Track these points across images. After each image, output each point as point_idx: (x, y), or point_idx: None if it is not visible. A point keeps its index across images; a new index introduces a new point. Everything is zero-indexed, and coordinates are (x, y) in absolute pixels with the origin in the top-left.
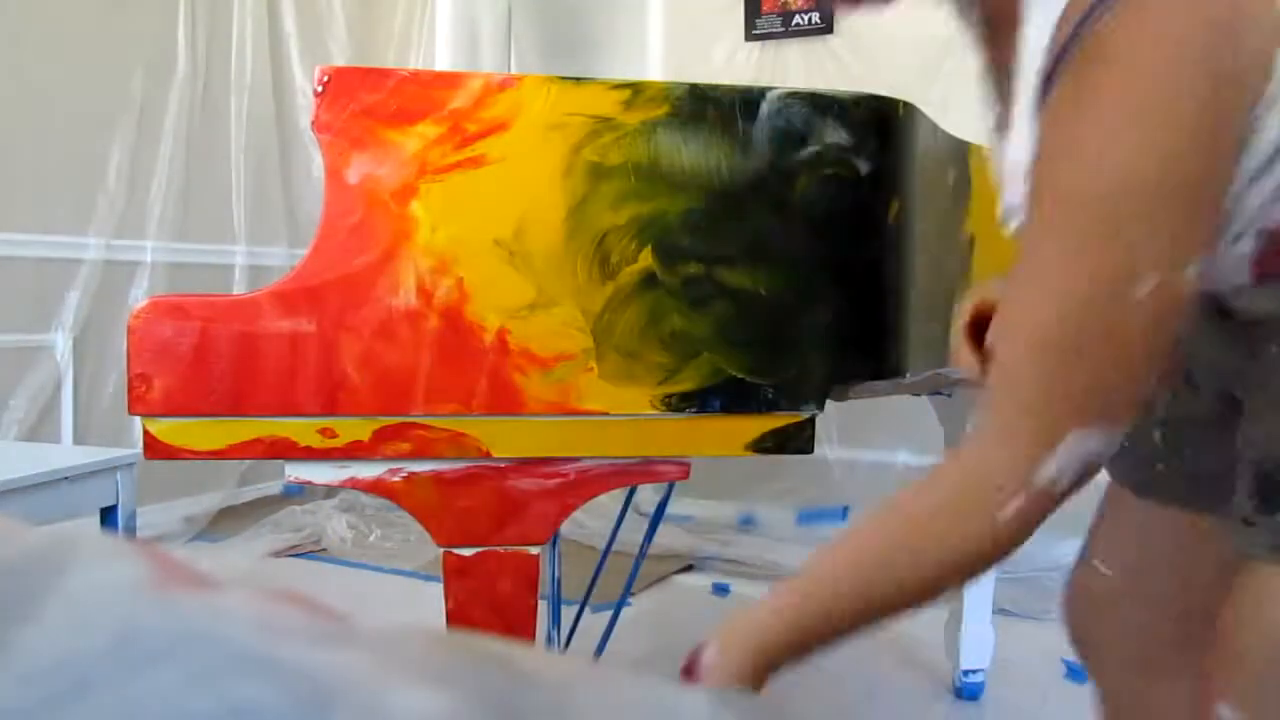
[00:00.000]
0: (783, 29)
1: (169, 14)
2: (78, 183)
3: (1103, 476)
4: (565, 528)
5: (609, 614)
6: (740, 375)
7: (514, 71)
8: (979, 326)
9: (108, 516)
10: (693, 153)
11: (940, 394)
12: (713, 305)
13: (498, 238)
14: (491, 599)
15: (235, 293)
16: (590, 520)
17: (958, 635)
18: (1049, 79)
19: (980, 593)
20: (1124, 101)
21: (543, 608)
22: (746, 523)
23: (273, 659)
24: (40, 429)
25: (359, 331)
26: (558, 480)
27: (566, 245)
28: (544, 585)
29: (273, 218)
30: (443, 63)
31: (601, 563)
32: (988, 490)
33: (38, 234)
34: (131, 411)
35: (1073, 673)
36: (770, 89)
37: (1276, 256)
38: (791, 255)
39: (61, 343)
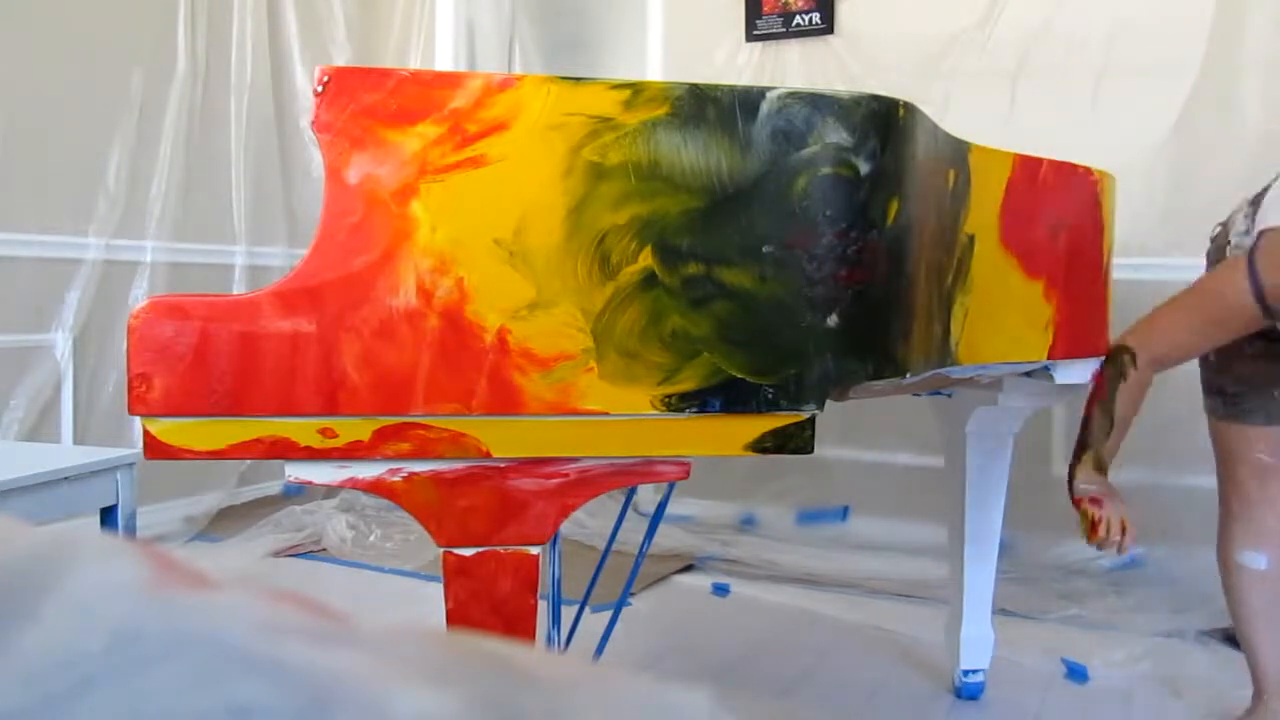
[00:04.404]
0: (783, 29)
1: (169, 14)
2: (78, 183)
3: None
4: (565, 528)
5: (609, 614)
6: (740, 375)
7: (515, 71)
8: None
9: (108, 516)
10: (693, 153)
11: (940, 394)
12: (713, 305)
13: (498, 238)
14: (491, 599)
15: (235, 293)
16: (590, 520)
17: (958, 635)
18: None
19: (980, 593)
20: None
21: (543, 608)
22: (746, 523)
23: (273, 659)
24: (40, 429)
25: (359, 331)
26: (558, 480)
27: (566, 245)
28: (544, 585)
29: (273, 218)
30: (443, 63)
31: (601, 563)
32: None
33: (38, 234)
34: (131, 411)
35: (1073, 672)
36: (770, 89)
37: None
38: (791, 255)
39: (61, 343)
